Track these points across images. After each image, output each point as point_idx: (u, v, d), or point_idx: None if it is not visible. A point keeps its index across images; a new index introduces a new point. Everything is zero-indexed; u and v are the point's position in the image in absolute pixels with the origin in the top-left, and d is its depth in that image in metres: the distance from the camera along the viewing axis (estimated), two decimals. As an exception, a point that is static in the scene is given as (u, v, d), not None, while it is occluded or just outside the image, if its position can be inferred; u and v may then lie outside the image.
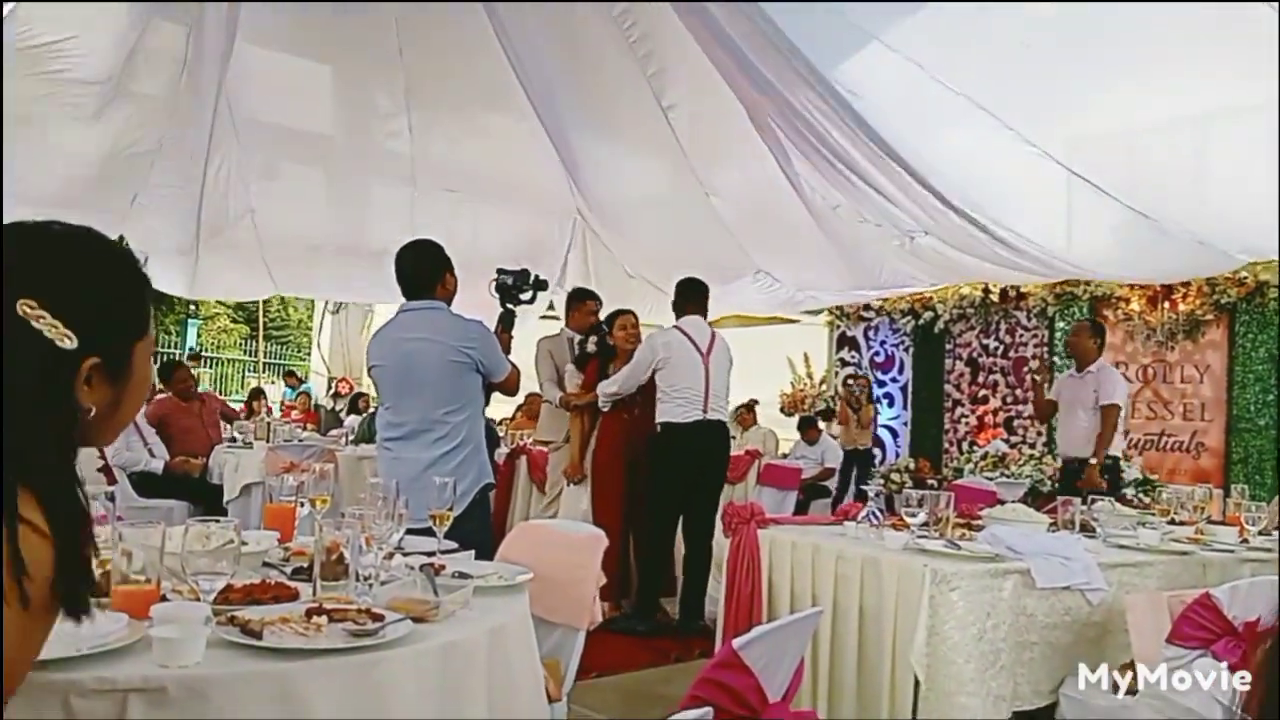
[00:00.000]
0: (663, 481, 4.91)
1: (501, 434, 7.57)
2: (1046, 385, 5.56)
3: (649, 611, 4.89)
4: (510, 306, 3.74)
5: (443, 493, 2.45)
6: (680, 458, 4.86)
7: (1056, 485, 5.80)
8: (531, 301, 3.81)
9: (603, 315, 5.39)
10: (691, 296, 5.11)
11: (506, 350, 3.55)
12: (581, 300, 5.55)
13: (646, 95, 5.25)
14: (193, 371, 7.18)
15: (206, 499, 5.74)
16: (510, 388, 3.48)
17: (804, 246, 6.11)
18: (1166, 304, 6.59)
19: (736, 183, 5.80)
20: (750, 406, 9.73)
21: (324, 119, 6.16)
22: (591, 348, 5.22)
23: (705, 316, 5.11)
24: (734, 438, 9.56)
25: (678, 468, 4.86)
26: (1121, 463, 5.40)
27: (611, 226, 6.69)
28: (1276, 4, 3.10)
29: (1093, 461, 5.00)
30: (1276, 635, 1.25)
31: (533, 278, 3.77)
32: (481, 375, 3.28)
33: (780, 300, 7.07)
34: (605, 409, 5.12)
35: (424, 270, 3.30)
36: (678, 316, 5.10)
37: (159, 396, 6.74)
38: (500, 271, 3.78)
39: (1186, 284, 6.46)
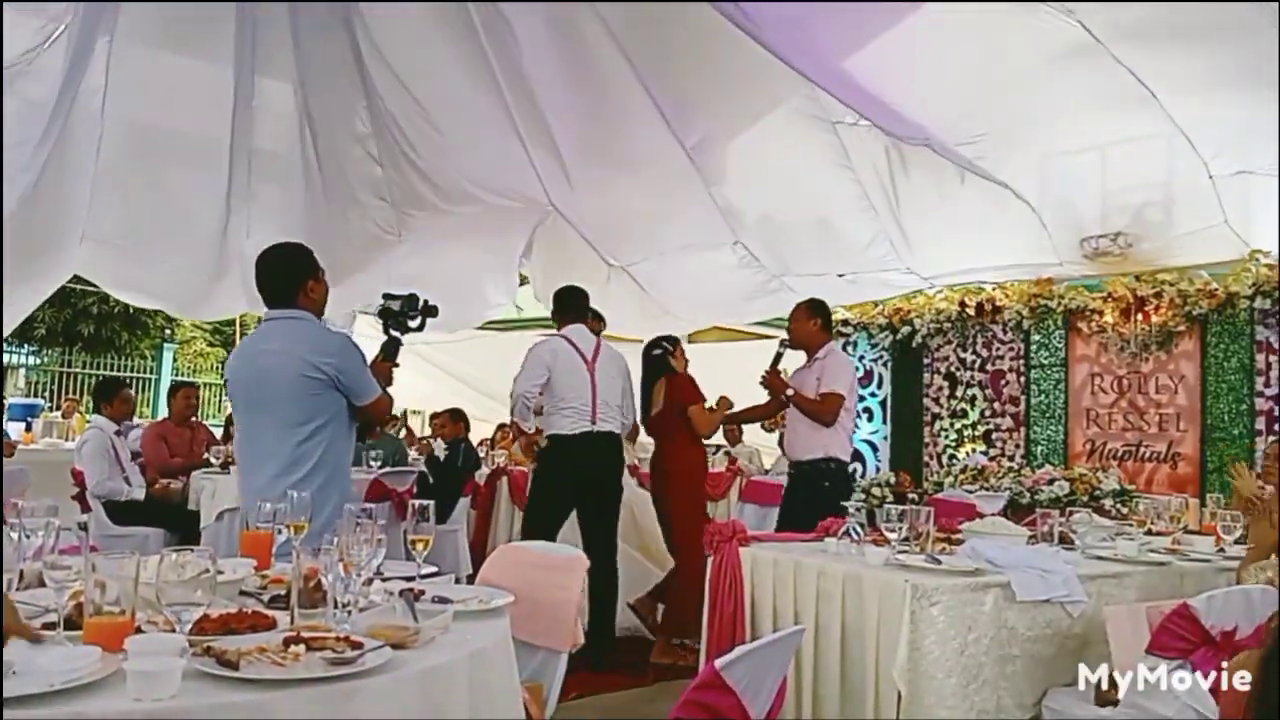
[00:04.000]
0: (547, 494, 4.77)
1: (481, 455, 7.55)
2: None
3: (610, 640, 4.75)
4: (396, 334, 3.43)
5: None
6: (567, 471, 4.72)
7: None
8: (420, 328, 3.51)
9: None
10: (571, 306, 4.99)
11: (388, 381, 3.30)
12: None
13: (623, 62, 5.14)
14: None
15: (183, 526, 5.68)
16: (377, 416, 3.21)
17: (787, 217, 6.13)
18: (1139, 315, 6.67)
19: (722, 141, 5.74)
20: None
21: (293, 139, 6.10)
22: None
23: (586, 324, 4.98)
24: (718, 451, 9.61)
25: (565, 481, 4.72)
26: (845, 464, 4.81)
27: (588, 202, 6.58)
28: (1277, 3, 3.15)
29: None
30: (1275, 639, 1.27)
31: (421, 302, 3.48)
32: (344, 396, 3.01)
33: (755, 284, 7.04)
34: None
35: (283, 276, 3.07)
36: (559, 328, 4.97)
37: (160, 419, 6.79)
38: (386, 296, 3.51)
39: (1159, 295, 6.53)
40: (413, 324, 3.45)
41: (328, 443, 2.98)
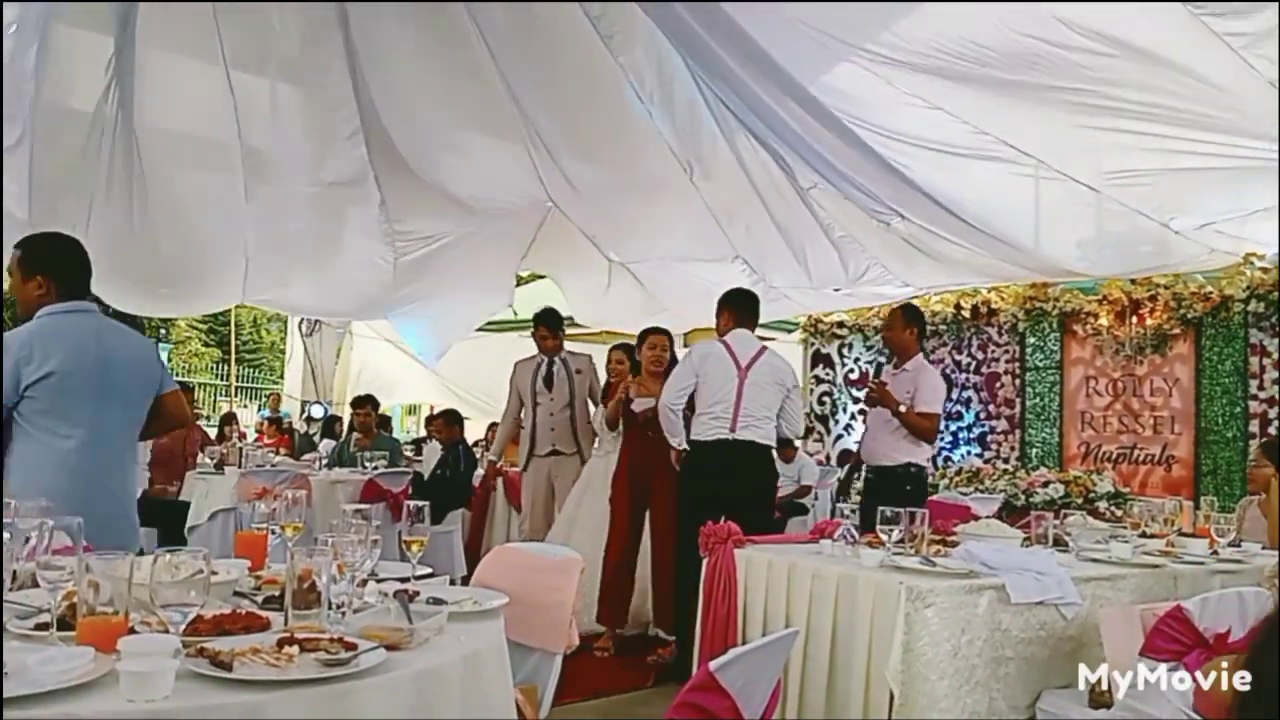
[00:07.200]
0: (687, 503, 4.59)
1: (476, 456, 7.54)
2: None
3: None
4: None
5: None
6: (700, 477, 4.59)
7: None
8: None
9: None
10: (738, 308, 4.86)
11: None
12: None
13: (618, 76, 5.16)
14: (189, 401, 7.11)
15: (180, 527, 5.68)
16: (176, 406, 3.04)
17: (775, 238, 6.16)
18: (1134, 319, 6.69)
19: (719, 162, 5.76)
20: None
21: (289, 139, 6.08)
22: None
23: (752, 330, 4.85)
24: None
25: (700, 487, 4.54)
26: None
27: (590, 207, 6.60)
28: (1277, 3, 3.17)
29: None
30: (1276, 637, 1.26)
31: None
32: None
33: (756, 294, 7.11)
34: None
35: (86, 267, 2.89)
36: (721, 333, 4.83)
37: None
38: None
39: (1154, 299, 6.55)
40: None
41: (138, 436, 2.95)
